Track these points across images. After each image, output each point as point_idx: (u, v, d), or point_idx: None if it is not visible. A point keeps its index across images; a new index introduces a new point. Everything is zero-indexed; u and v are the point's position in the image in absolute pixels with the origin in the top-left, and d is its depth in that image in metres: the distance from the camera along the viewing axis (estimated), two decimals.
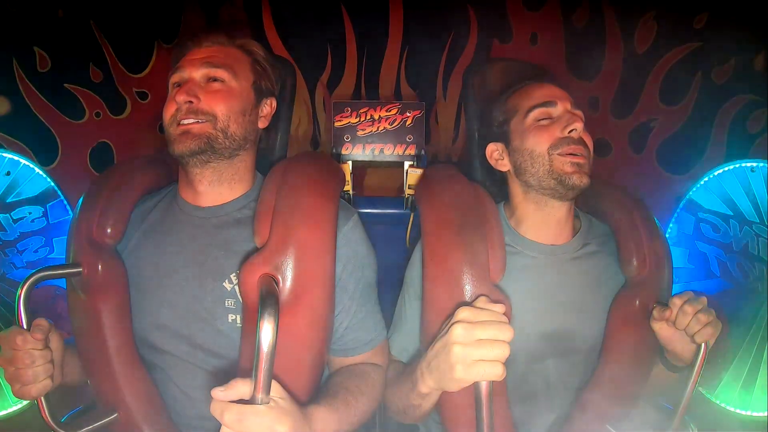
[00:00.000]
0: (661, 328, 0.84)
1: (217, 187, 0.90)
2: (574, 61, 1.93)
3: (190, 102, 0.85)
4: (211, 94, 0.86)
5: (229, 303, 0.83)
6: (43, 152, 1.87)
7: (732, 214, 1.76)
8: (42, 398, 0.78)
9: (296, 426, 0.63)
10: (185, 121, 0.85)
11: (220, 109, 0.86)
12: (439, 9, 1.93)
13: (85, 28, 1.85)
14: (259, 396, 0.60)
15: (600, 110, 1.96)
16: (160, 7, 1.86)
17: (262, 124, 0.95)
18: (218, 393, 0.61)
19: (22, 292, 0.78)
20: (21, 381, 0.75)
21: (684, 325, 0.79)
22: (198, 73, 0.88)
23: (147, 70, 1.92)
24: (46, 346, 0.78)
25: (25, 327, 0.77)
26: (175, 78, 0.89)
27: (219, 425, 0.84)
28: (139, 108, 1.92)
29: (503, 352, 0.66)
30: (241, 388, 0.62)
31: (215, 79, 0.88)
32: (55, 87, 1.86)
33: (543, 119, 0.92)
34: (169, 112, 0.86)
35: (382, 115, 1.68)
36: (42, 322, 0.78)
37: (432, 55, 1.96)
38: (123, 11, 1.85)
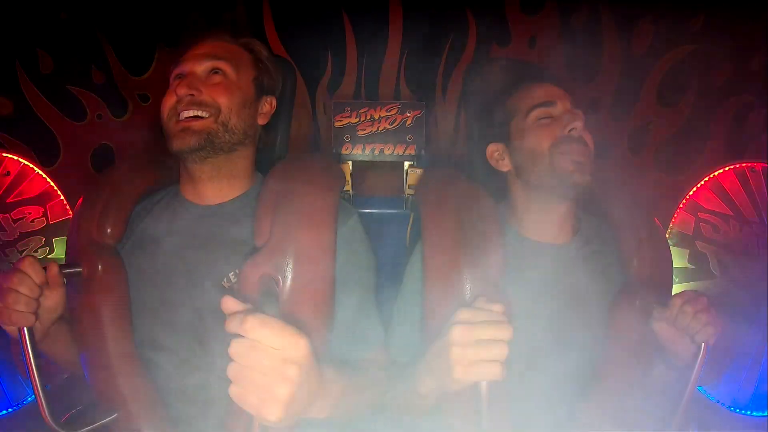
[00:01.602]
0: (661, 328, 0.84)
1: (217, 182, 0.90)
2: (572, 64, 1.95)
3: (192, 95, 0.85)
4: (212, 87, 0.87)
5: None
6: (44, 153, 1.88)
7: (732, 214, 1.76)
8: (42, 398, 0.78)
9: (312, 364, 0.57)
10: (186, 113, 0.85)
11: (223, 101, 0.86)
12: (438, 13, 1.95)
13: (87, 31, 1.88)
14: None
15: (598, 112, 1.98)
16: (162, 11, 1.88)
17: (261, 120, 0.96)
18: (229, 301, 0.56)
19: None
20: (2, 300, 0.75)
21: (684, 325, 0.79)
22: (200, 68, 0.88)
23: (148, 73, 1.94)
24: (41, 288, 0.77)
25: (24, 328, 0.77)
26: (176, 71, 0.90)
27: (217, 426, 0.83)
28: (140, 110, 1.94)
29: (502, 352, 0.66)
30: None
31: (216, 72, 0.88)
32: (58, 88, 1.88)
33: (543, 118, 0.92)
34: (168, 104, 0.87)
35: (382, 115, 1.68)
36: (57, 272, 0.80)
37: (431, 59, 1.97)
38: (125, 14, 1.87)
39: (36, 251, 1.76)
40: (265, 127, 0.98)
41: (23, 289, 0.75)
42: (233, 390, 0.53)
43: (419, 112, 1.69)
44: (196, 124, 0.84)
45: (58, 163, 1.90)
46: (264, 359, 0.52)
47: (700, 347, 0.79)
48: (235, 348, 0.52)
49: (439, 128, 1.97)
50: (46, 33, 1.84)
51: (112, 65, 1.91)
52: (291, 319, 0.75)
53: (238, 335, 0.53)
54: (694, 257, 1.81)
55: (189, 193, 0.93)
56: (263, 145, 1.01)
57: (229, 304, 0.56)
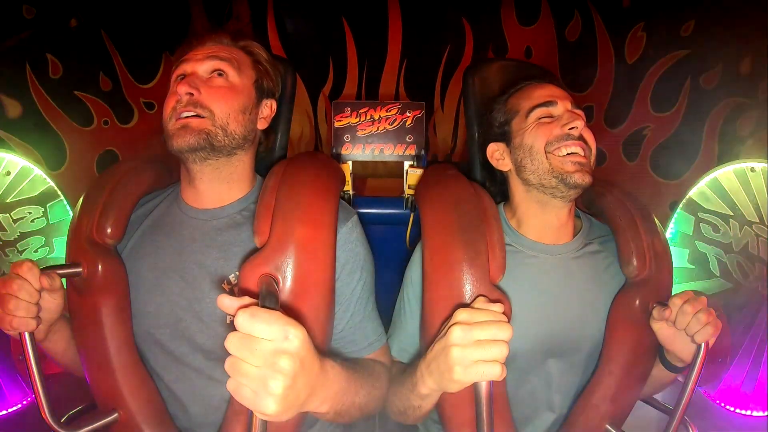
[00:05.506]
0: (661, 328, 0.84)
1: (217, 185, 0.90)
2: (568, 73, 1.96)
3: (191, 94, 0.84)
4: (212, 90, 0.86)
5: None
6: (51, 157, 1.90)
7: (732, 214, 1.76)
8: (42, 398, 0.78)
9: (309, 354, 0.57)
10: (184, 114, 0.84)
11: (220, 106, 0.86)
12: (436, 23, 1.97)
13: (96, 38, 1.90)
14: None
15: (594, 120, 2.00)
16: (169, 20, 1.90)
17: (261, 125, 0.95)
18: (225, 299, 0.57)
19: None
20: (2, 307, 0.75)
21: (684, 325, 0.79)
22: (201, 68, 0.88)
23: (154, 81, 1.96)
24: (40, 293, 0.78)
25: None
26: (178, 71, 0.89)
27: (216, 429, 0.83)
28: (145, 118, 1.96)
29: (502, 351, 0.66)
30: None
31: (218, 73, 0.88)
32: (66, 94, 1.90)
33: (544, 117, 0.93)
34: (169, 105, 0.86)
35: (382, 115, 1.68)
36: (56, 277, 0.80)
37: (430, 67, 1.99)
38: (133, 23, 1.89)
39: (36, 251, 1.76)
40: (265, 130, 0.98)
41: (23, 295, 0.75)
42: (230, 384, 0.53)
43: (419, 112, 1.68)
44: (195, 122, 0.84)
45: (65, 167, 1.92)
46: (256, 351, 0.52)
47: (700, 347, 0.79)
48: (230, 341, 0.53)
49: (438, 136, 1.98)
50: (56, 39, 1.86)
51: (120, 73, 1.94)
52: (291, 315, 0.75)
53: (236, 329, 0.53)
54: (694, 257, 1.81)
55: (189, 197, 0.92)
56: (263, 147, 1.01)
57: (225, 301, 0.57)
